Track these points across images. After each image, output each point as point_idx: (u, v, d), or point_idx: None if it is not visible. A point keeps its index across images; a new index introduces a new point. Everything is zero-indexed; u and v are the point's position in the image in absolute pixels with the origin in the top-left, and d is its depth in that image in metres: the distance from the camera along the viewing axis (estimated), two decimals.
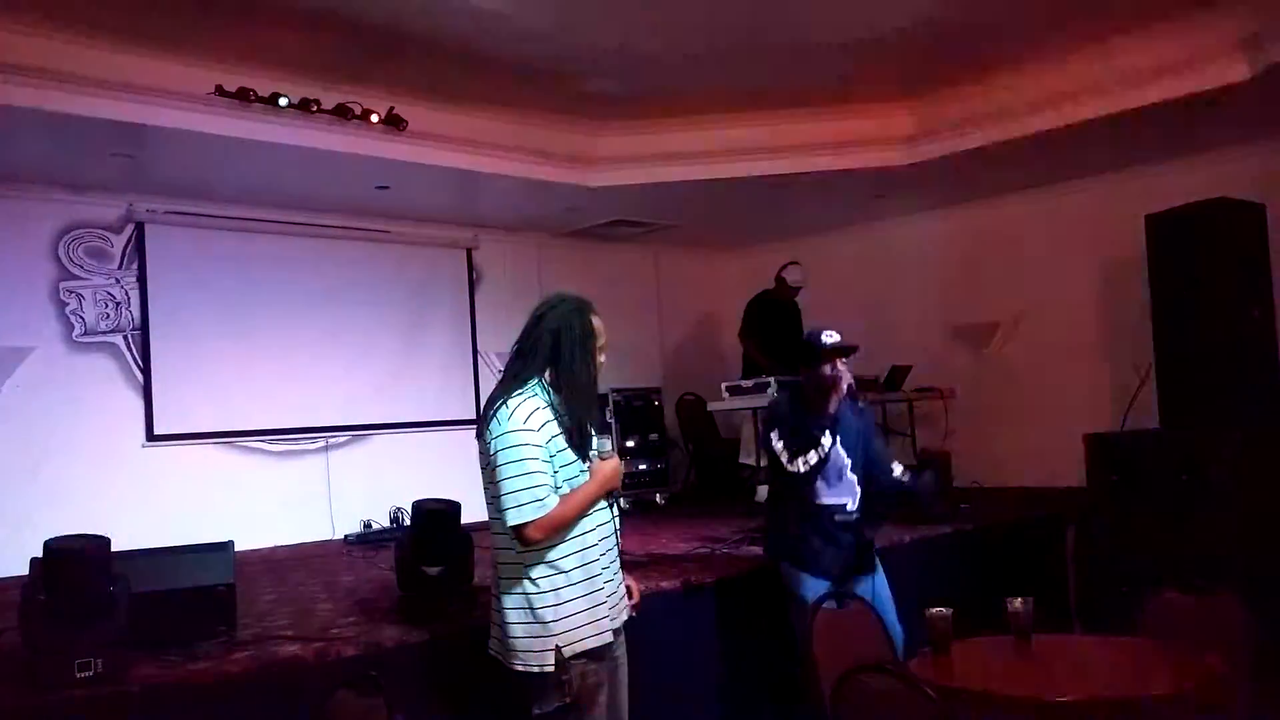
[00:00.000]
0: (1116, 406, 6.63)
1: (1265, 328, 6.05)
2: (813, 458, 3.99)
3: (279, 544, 6.79)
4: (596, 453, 3.14)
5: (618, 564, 3.26)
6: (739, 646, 4.67)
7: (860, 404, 4.26)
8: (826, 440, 4.00)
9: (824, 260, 9.06)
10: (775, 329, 7.81)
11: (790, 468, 4.05)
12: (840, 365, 4.08)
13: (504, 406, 3.00)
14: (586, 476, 3.10)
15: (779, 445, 4.11)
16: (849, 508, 4.20)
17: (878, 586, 4.24)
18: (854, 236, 8.99)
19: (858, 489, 4.23)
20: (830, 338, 4.11)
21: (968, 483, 6.90)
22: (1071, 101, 6.13)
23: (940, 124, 6.78)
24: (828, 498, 4.18)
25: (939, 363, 8.01)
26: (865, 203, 8.16)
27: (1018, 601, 3.37)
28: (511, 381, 3.09)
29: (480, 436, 3.09)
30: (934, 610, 3.38)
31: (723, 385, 7.56)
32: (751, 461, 7.79)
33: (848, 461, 4.19)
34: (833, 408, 4.05)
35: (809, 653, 3.58)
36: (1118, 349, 7.06)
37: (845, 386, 4.05)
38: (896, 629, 4.07)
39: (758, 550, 5.25)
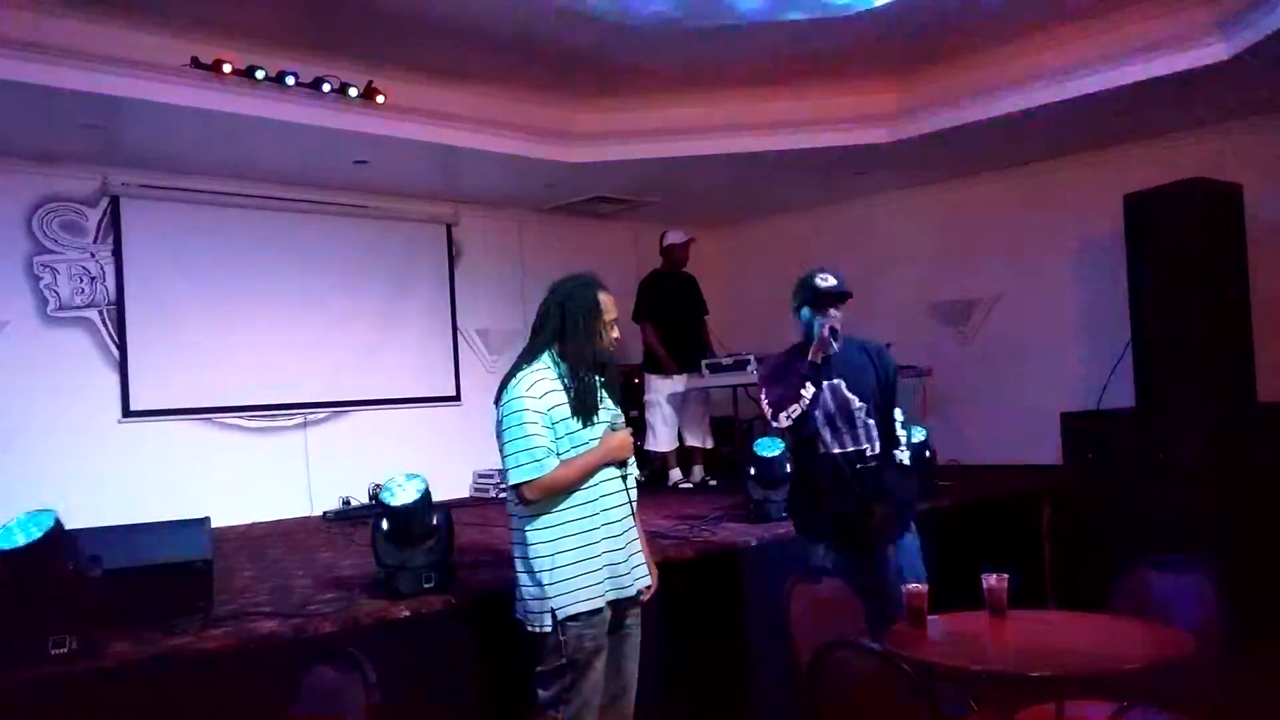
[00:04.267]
0: (1094, 385, 6.68)
1: (1240, 308, 6.09)
2: (795, 411, 3.86)
3: (257, 520, 6.77)
4: (610, 425, 3.38)
5: (628, 536, 3.44)
6: (712, 623, 4.69)
7: (837, 345, 3.95)
8: (807, 391, 3.84)
9: (805, 237, 9.07)
10: (670, 306, 7.79)
11: (774, 424, 3.95)
12: (831, 312, 3.94)
13: (513, 378, 3.31)
14: (594, 445, 3.33)
15: (764, 402, 4.00)
16: (869, 453, 4.00)
17: (905, 563, 3.98)
18: (835, 213, 8.99)
19: (876, 433, 4.01)
20: (825, 281, 3.99)
21: (946, 460, 6.94)
22: (1053, 80, 6.13)
23: (922, 102, 6.77)
24: (846, 445, 4.00)
25: (918, 341, 8.03)
26: (847, 180, 8.15)
27: (993, 577, 3.39)
28: (525, 356, 3.38)
29: (497, 406, 3.36)
30: (911, 586, 3.41)
31: (702, 363, 7.57)
32: (660, 448, 7.80)
33: (860, 405, 3.98)
34: (812, 355, 3.89)
35: (786, 626, 3.59)
36: (1096, 328, 7.10)
37: (826, 331, 3.88)
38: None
39: (735, 527, 5.28)
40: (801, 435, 4.02)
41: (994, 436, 7.60)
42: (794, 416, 3.89)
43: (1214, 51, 5.55)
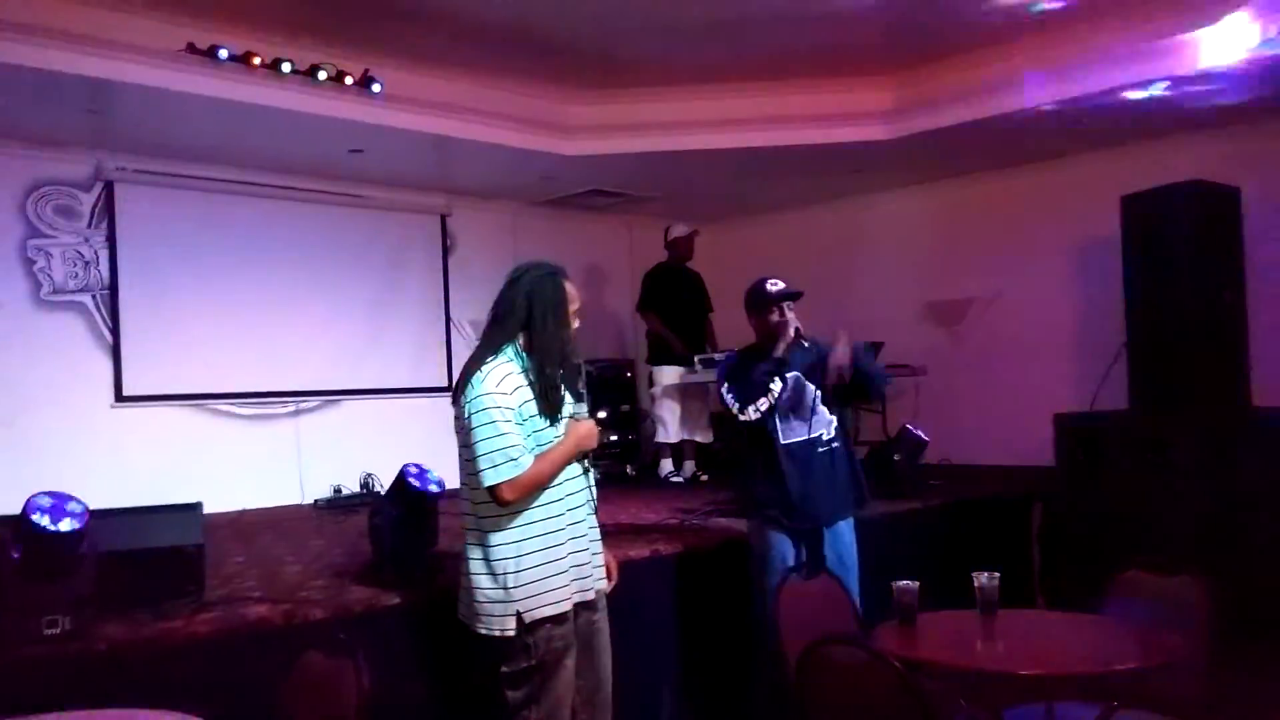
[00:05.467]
0: (1087, 386, 6.68)
1: (1236, 311, 6.10)
2: (763, 404, 4.05)
3: (247, 507, 6.75)
4: (573, 414, 3.24)
5: (592, 534, 3.34)
6: (700, 616, 4.69)
7: (806, 343, 4.21)
8: (776, 385, 4.05)
9: (799, 235, 9.08)
10: (675, 299, 7.80)
11: (743, 417, 4.10)
12: (788, 311, 4.14)
13: (478, 372, 3.11)
14: (560, 441, 3.18)
15: (729, 398, 4.16)
16: (825, 436, 4.22)
17: (843, 550, 4.22)
18: (830, 211, 8.99)
19: (831, 417, 4.25)
20: (775, 286, 4.21)
21: (937, 459, 6.94)
22: (1053, 80, 6.14)
23: (921, 99, 6.77)
24: (806, 432, 4.19)
25: (912, 339, 8.04)
26: (843, 177, 8.15)
27: (984, 576, 3.39)
28: (487, 348, 3.19)
29: (455, 402, 3.18)
30: (901, 583, 3.40)
31: (695, 357, 7.57)
32: (668, 440, 7.79)
33: (817, 394, 4.20)
34: (779, 352, 4.10)
35: (775, 622, 3.60)
36: (1090, 329, 7.11)
37: (792, 331, 4.10)
38: (853, 598, 4.07)
39: (725, 522, 5.29)
40: (764, 428, 4.15)
41: (986, 436, 7.61)
42: (762, 410, 4.07)
43: (1213, 54, 5.55)
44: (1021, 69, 6.22)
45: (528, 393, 3.14)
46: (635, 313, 8.14)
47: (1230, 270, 6.09)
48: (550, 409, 3.16)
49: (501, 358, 3.15)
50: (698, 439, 7.82)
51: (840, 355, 4.03)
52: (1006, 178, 7.84)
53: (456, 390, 3.20)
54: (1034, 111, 6.34)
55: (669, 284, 7.87)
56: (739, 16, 5.78)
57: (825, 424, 4.23)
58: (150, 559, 3.45)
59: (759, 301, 4.22)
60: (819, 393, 4.20)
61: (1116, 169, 6.94)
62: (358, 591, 3.78)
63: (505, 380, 3.09)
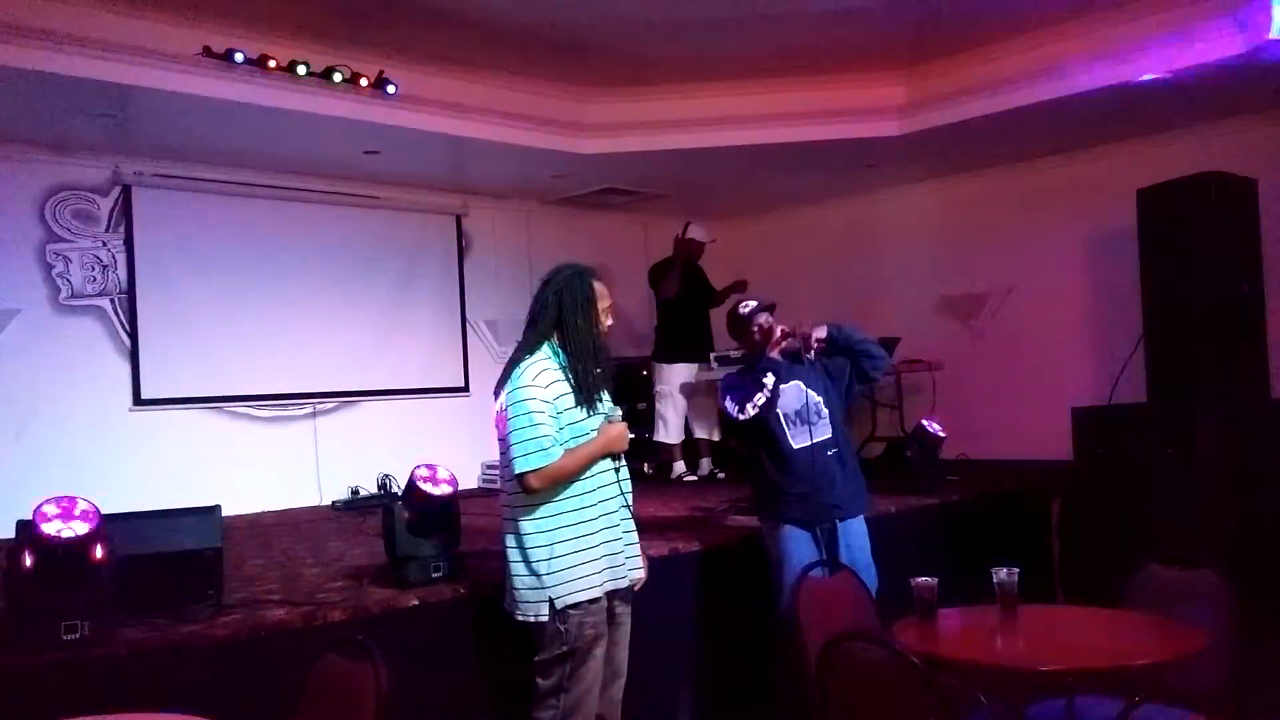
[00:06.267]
0: (1105, 380, 6.65)
1: (1254, 303, 6.06)
2: (760, 399, 4.10)
3: (266, 510, 6.79)
4: (606, 416, 3.41)
5: (624, 526, 3.46)
6: (719, 614, 4.69)
7: (810, 356, 4.30)
8: (769, 380, 4.11)
9: (813, 230, 9.06)
10: (683, 294, 7.75)
11: (742, 417, 4.16)
12: (767, 321, 4.30)
13: (518, 368, 3.32)
14: (593, 435, 3.35)
15: (731, 407, 4.22)
16: (829, 440, 4.29)
17: (856, 548, 4.25)
18: (844, 206, 8.96)
19: (829, 424, 4.31)
20: (746, 306, 4.40)
21: (954, 455, 6.92)
22: (1064, 74, 6.10)
23: (934, 94, 6.74)
24: (812, 437, 4.24)
25: (927, 334, 8.01)
26: (856, 173, 8.12)
27: (1004, 572, 3.38)
28: (525, 347, 3.40)
29: (497, 397, 3.39)
30: (920, 579, 3.39)
31: (711, 355, 7.56)
32: (669, 440, 7.77)
33: (819, 399, 4.29)
34: (771, 352, 4.20)
35: (795, 619, 3.60)
36: (1107, 322, 7.07)
37: (779, 331, 4.22)
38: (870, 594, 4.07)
39: (744, 520, 5.28)
40: (765, 432, 4.23)
41: (1004, 431, 7.57)
42: (759, 405, 4.12)
43: (1230, 45, 5.52)
44: (1033, 63, 6.19)
45: (563, 387, 3.31)
46: (655, 310, 8.12)
47: (1248, 262, 6.04)
48: (588, 400, 3.33)
49: (539, 355, 3.35)
50: (714, 437, 7.81)
51: (814, 329, 4.22)
52: (1020, 172, 7.81)
53: (498, 386, 3.39)
54: (1046, 105, 6.29)
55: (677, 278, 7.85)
56: (752, 13, 5.77)
57: (827, 429, 4.30)
58: (169, 562, 3.46)
59: (738, 325, 4.42)
60: (820, 399, 4.29)
61: (1131, 162, 6.92)
62: (376, 593, 3.79)
63: (542, 375, 3.29)
